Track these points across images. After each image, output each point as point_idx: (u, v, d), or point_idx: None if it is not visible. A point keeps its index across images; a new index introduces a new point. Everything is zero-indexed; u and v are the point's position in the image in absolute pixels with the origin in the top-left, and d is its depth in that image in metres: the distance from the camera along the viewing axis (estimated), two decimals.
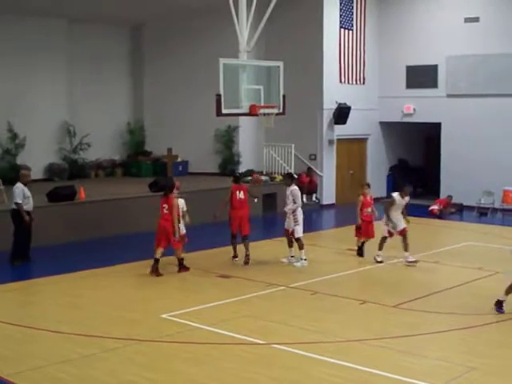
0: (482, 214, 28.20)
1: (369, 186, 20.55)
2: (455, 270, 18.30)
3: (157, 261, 17.22)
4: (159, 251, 17.26)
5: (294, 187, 18.68)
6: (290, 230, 18.56)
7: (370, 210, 19.72)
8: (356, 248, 19.83)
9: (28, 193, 18.50)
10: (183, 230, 17.97)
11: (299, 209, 18.56)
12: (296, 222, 18.33)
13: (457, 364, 11.09)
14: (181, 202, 17.93)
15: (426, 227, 25.72)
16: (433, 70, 30.93)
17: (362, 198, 19.83)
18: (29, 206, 18.50)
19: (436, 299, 15.30)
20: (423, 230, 25.15)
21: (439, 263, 18.95)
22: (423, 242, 21.52)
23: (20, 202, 18.13)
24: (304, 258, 18.42)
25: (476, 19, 29.51)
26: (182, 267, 17.62)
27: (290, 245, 18.78)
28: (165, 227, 17.24)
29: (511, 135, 28.87)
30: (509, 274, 14.73)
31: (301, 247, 18.52)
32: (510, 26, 28.92)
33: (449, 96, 30.58)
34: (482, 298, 15.33)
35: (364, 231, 19.68)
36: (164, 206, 17.40)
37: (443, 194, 29.59)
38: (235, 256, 19.05)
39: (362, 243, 19.73)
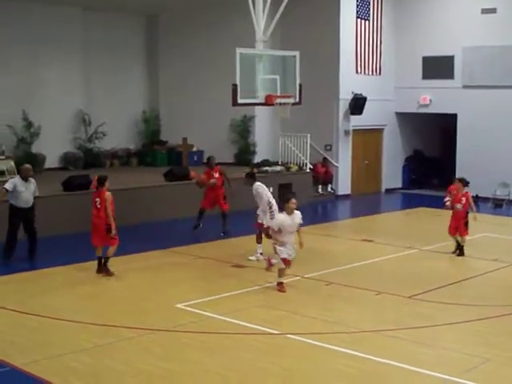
0: (498, 205, 28.06)
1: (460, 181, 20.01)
2: (471, 262, 18.25)
3: (100, 260, 16.17)
4: (98, 250, 16.23)
5: (256, 184, 17.47)
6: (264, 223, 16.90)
7: (459, 206, 19.15)
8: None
9: (22, 188, 17.23)
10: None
11: (273, 202, 17.10)
12: (272, 217, 16.41)
13: (472, 355, 11.04)
14: None
15: (441, 218, 25.62)
16: (449, 60, 30.77)
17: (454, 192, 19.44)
18: (18, 201, 17.30)
19: (451, 290, 15.25)
20: (439, 221, 25.06)
21: (453, 254, 18.86)
22: (439, 233, 21.42)
23: (6, 188, 17.15)
24: (260, 252, 17.61)
25: (493, 10, 29.32)
26: (105, 269, 16.10)
27: (259, 241, 17.62)
28: (97, 224, 16.08)
29: None
30: None
31: (259, 241, 17.59)
32: None
33: (465, 87, 30.42)
34: (498, 289, 15.31)
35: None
36: (96, 200, 16.16)
37: None
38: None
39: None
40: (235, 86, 18.95)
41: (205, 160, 24.13)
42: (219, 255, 18.31)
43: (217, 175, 21.11)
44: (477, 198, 28.18)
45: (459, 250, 18.72)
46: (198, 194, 21.37)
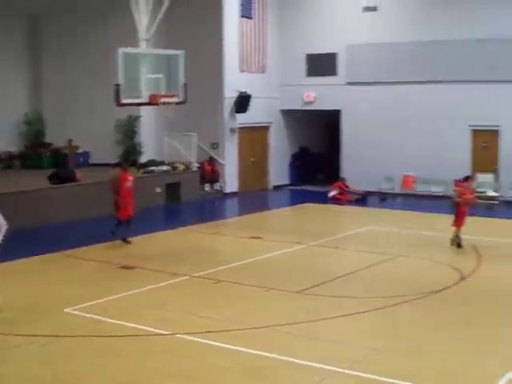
0: (383, 199, 28.70)
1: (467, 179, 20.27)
2: (357, 255, 18.59)
3: None
4: None
5: None
6: None
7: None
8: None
9: None
10: None
11: None
12: None
13: (360, 347, 11.25)
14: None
15: (327, 213, 26.09)
16: (332, 58, 31.35)
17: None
18: None
19: (340, 284, 15.50)
20: (324, 215, 25.52)
21: (341, 248, 19.18)
22: (326, 228, 21.79)
23: None
24: None
25: (374, 8, 29.97)
26: None
27: None
28: None
29: (410, 121, 29.52)
30: None
31: None
32: (407, 15, 29.55)
33: (348, 84, 31.02)
34: (384, 281, 15.64)
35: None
36: None
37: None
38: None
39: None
40: (118, 86, 18.75)
41: (91, 161, 23.74)
42: (107, 257, 18.07)
43: (131, 178, 20.07)
44: (365, 193, 28.85)
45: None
46: (84, 197, 21.02)
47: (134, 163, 20.48)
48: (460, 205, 19.07)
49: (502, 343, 11.49)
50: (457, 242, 19.10)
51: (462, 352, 11.02)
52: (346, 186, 29.15)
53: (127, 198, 19.46)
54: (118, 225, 19.39)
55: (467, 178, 20.11)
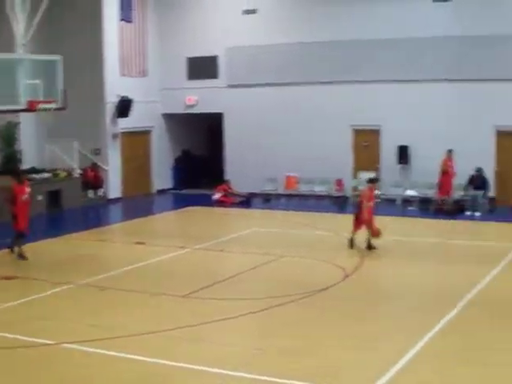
0: (267, 200, 28.94)
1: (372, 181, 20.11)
2: (242, 257, 18.70)
3: None
4: None
5: None
6: None
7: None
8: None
9: None
10: None
11: None
12: None
13: (247, 348, 11.33)
14: None
15: (211, 216, 26.14)
16: (213, 61, 31.43)
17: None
18: None
19: (225, 286, 15.55)
20: (209, 218, 25.57)
21: (226, 251, 19.26)
22: (210, 231, 21.83)
23: None
24: None
25: (254, 11, 30.26)
26: None
27: None
28: None
29: (292, 122, 29.90)
30: None
31: None
32: (287, 17, 29.90)
33: (230, 86, 31.17)
34: (268, 281, 15.80)
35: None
36: None
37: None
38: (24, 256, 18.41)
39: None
40: None
41: None
42: None
43: (28, 189, 18.91)
44: (249, 195, 28.99)
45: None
46: None
47: (17, 171, 19.77)
48: (367, 208, 18.95)
49: (382, 340, 11.78)
50: (350, 244, 19.17)
51: (346, 349, 11.23)
52: (230, 189, 29.28)
53: (24, 211, 18.46)
54: (17, 237, 18.53)
55: (372, 181, 19.99)
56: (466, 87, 27.27)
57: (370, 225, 18.87)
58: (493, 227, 23.80)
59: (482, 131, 26.98)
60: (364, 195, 19.34)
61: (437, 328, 12.16)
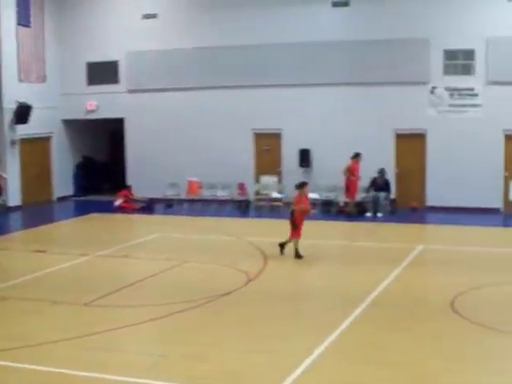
0: (169, 205, 28.82)
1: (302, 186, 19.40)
2: (145, 263, 18.57)
3: None
4: None
5: None
6: None
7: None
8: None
9: None
10: None
11: None
12: None
13: (151, 354, 11.26)
14: None
15: (113, 223, 25.89)
16: (113, 66, 31.15)
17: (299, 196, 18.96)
18: None
19: (128, 293, 15.41)
20: (111, 225, 25.32)
21: (129, 257, 19.10)
22: (112, 238, 21.62)
23: None
24: None
25: (154, 15, 30.14)
26: None
27: None
28: None
29: (194, 127, 29.87)
30: None
31: None
32: (187, 22, 29.84)
33: (130, 91, 30.96)
34: (172, 287, 15.74)
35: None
36: None
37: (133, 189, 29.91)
38: None
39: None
40: None
41: None
42: None
43: None
44: (150, 201, 28.78)
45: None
46: None
47: None
48: (296, 213, 18.67)
49: (286, 342, 11.86)
50: (297, 253, 18.58)
51: (249, 352, 11.28)
52: (132, 195, 29.04)
53: None
54: None
55: (302, 185, 19.32)
56: (365, 91, 27.78)
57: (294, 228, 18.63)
58: (394, 228, 24.27)
59: (382, 134, 27.53)
60: (294, 201, 19.03)
61: (340, 328, 12.33)
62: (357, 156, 26.34)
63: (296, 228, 18.65)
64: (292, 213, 18.81)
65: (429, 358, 10.91)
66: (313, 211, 19.68)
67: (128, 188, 29.35)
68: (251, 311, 13.79)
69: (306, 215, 19.01)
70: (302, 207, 18.82)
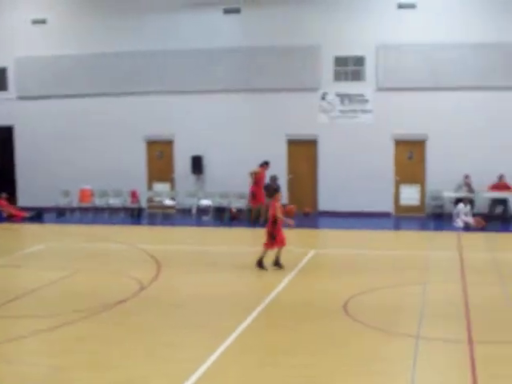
0: (61, 214, 28.29)
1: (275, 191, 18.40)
2: (36, 273, 18.11)
3: None
4: None
5: None
6: None
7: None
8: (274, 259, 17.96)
9: None
10: None
11: None
12: None
13: (44, 366, 10.96)
14: None
15: (4, 232, 25.26)
16: (2, 72, 30.46)
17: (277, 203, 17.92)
18: None
19: (18, 304, 14.99)
20: (2, 235, 24.70)
21: (18, 267, 18.63)
22: (2, 247, 21.06)
23: None
24: None
25: (43, 21, 29.61)
26: None
27: None
28: None
29: (86, 134, 29.73)
30: None
31: None
32: (77, 28, 29.51)
33: (20, 98, 30.29)
34: (64, 297, 15.40)
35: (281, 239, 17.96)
36: None
37: (21, 199, 29.26)
38: None
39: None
40: None
41: None
42: None
43: None
44: (40, 210, 28.21)
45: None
46: None
47: None
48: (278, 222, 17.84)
49: (181, 349, 11.74)
50: (276, 263, 17.90)
51: (144, 361, 11.11)
52: (9, 204, 28.13)
53: None
54: None
55: (273, 192, 18.39)
56: (257, 97, 27.99)
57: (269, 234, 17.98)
58: (287, 234, 24.42)
59: (274, 140, 27.76)
60: (275, 210, 17.86)
61: (234, 334, 12.29)
62: (265, 164, 26.28)
63: (276, 237, 17.82)
64: (271, 222, 17.84)
65: (320, 361, 10.98)
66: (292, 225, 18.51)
67: (3, 197, 28.29)
68: (145, 319, 13.61)
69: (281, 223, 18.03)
70: (285, 220, 17.92)
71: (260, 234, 24.32)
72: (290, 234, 24.21)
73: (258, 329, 12.80)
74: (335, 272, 17.60)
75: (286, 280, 16.58)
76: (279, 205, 17.89)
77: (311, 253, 19.98)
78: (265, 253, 17.88)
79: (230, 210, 27.17)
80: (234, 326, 12.74)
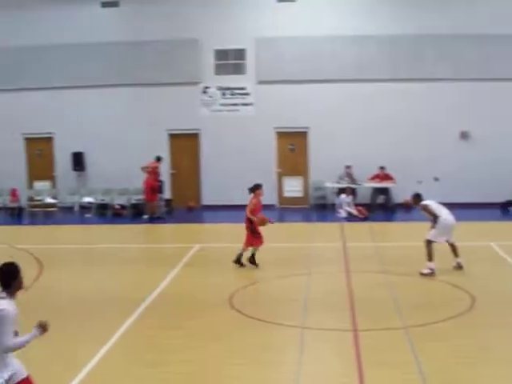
0: None
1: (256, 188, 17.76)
2: None
3: None
4: None
5: None
6: None
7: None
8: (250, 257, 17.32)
9: None
10: None
11: None
12: None
13: None
14: None
15: None
16: None
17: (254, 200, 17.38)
18: None
19: None
20: None
21: None
22: None
23: None
24: None
25: None
26: None
27: None
28: None
29: (2, 131, 28.28)
30: None
31: None
32: None
33: None
34: None
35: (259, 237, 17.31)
36: None
37: None
38: None
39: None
40: None
41: None
42: None
43: None
44: None
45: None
46: None
47: None
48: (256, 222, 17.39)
49: (64, 351, 11.42)
50: (251, 260, 17.33)
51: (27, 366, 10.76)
52: None
53: None
54: None
55: (255, 188, 17.85)
56: (138, 92, 27.64)
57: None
58: (171, 229, 24.30)
59: (156, 135, 27.49)
60: (251, 208, 17.50)
61: (119, 332, 12.07)
62: (158, 159, 25.97)
63: (256, 234, 17.38)
64: (248, 218, 17.49)
65: (210, 356, 10.90)
66: (272, 220, 18.06)
67: None
68: (24, 321, 13.18)
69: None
70: (260, 219, 17.45)
71: (144, 229, 24.18)
72: (173, 230, 24.16)
73: (141, 326, 12.60)
74: (220, 266, 17.51)
75: (170, 275, 16.42)
76: (256, 201, 17.58)
77: (196, 247, 19.86)
78: (245, 250, 17.37)
79: (113, 206, 26.77)
80: (119, 324, 12.51)
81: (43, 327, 8.12)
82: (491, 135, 26.70)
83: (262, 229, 17.59)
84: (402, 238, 21.61)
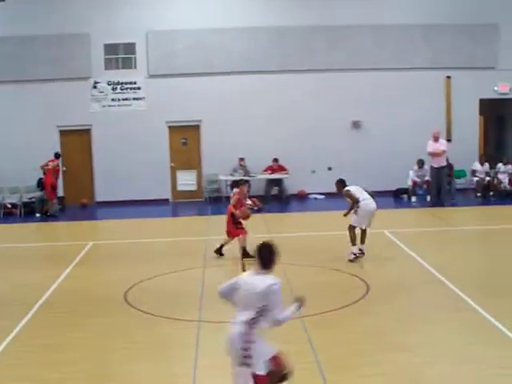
0: None
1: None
2: None
3: None
4: None
5: None
6: None
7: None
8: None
9: None
10: None
11: None
12: None
13: None
14: None
15: None
16: None
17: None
18: None
19: None
20: None
21: None
22: None
23: None
24: None
25: None
26: None
27: None
28: None
29: None
30: None
31: None
32: None
33: None
34: None
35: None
36: None
37: None
38: None
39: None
40: None
41: None
42: None
43: None
44: None
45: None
46: None
47: None
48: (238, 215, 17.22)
49: None
50: (244, 252, 16.99)
51: None
52: None
53: None
54: None
55: (241, 183, 18.03)
56: (26, 88, 27.02)
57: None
58: (64, 227, 23.97)
59: (45, 131, 26.96)
60: (234, 203, 17.37)
61: (12, 334, 11.81)
62: (56, 157, 25.65)
63: (239, 225, 17.33)
64: (231, 213, 17.33)
65: (107, 354, 10.81)
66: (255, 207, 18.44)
67: None
68: None
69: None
70: (243, 213, 17.29)
71: (36, 228, 23.74)
72: (66, 227, 23.82)
73: (38, 326, 12.39)
74: (115, 262, 17.37)
75: (64, 274, 16.17)
76: (238, 197, 17.53)
77: (89, 245, 19.60)
78: (228, 241, 17.54)
79: (4, 205, 26.16)
80: (13, 325, 12.24)
81: (302, 301, 8.74)
82: (383, 125, 27.30)
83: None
84: (296, 228, 21.85)
